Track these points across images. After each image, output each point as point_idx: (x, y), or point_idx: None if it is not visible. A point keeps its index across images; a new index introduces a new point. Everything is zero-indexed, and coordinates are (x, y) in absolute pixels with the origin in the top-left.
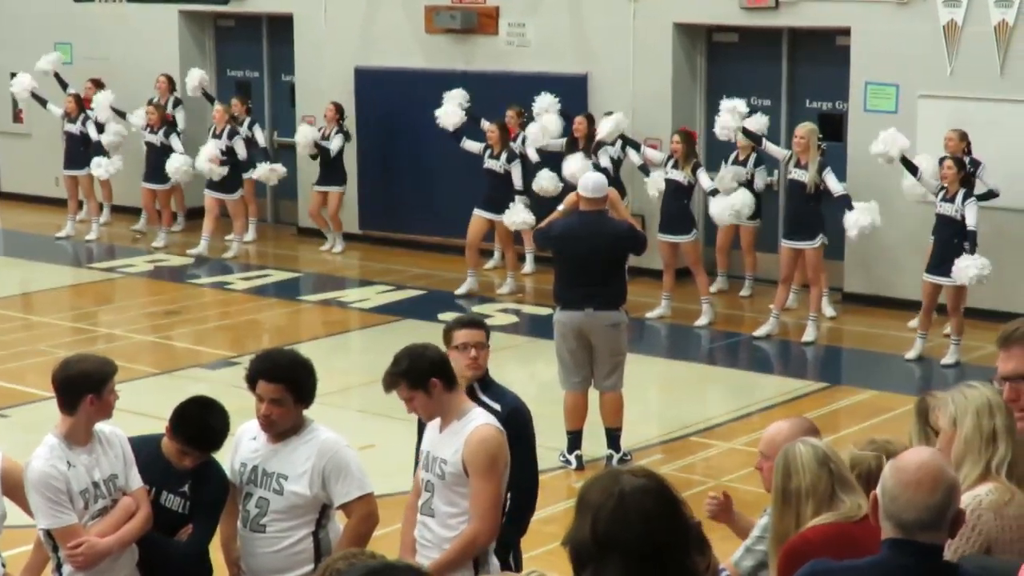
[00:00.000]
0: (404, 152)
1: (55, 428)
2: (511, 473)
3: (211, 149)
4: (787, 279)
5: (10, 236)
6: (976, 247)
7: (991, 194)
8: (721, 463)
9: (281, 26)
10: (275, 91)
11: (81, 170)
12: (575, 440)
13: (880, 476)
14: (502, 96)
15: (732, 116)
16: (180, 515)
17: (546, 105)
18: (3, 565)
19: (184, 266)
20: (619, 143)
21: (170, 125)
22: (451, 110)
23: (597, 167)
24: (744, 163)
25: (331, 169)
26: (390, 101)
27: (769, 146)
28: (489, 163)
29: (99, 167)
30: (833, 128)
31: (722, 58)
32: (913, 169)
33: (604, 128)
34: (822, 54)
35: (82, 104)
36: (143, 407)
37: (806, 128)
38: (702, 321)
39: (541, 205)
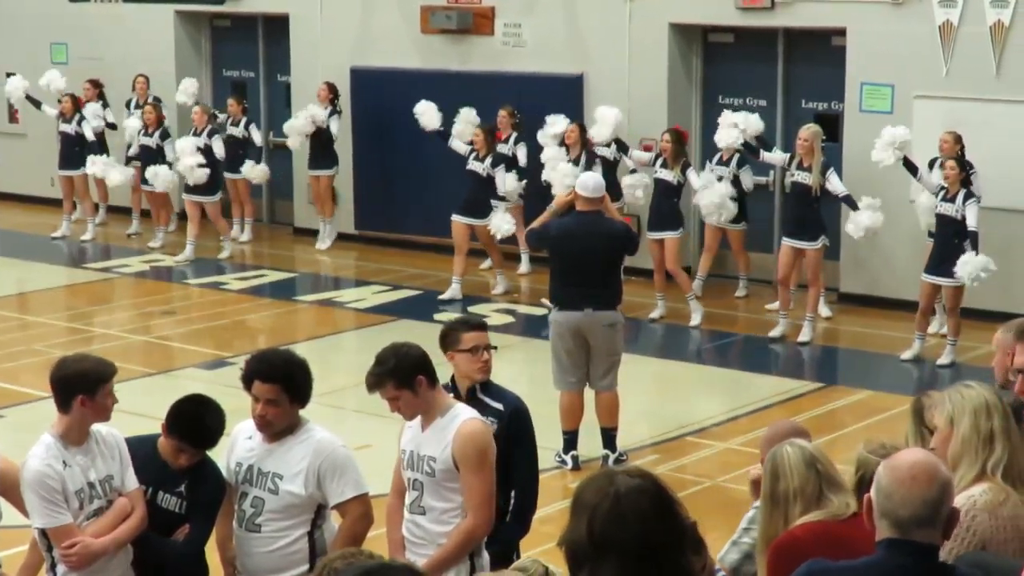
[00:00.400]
0: (400, 152)
1: (51, 427)
2: (515, 473)
3: (187, 145)
4: (785, 279)
5: (6, 236)
6: (978, 247)
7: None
8: (717, 463)
9: (277, 26)
10: (271, 91)
11: (76, 170)
12: (571, 440)
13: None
14: (498, 96)
15: (731, 133)
16: (177, 515)
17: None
18: None
19: (180, 266)
20: (614, 145)
21: (165, 130)
22: (426, 107)
23: None
24: (727, 163)
25: (325, 151)
26: (386, 101)
27: (767, 156)
28: (473, 164)
29: (94, 165)
30: (829, 128)
31: (718, 58)
32: (913, 169)
33: (602, 129)
34: (818, 54)
35: (78, 104)
36: (138, 407)
37: (810, 130)
38: (695, 321)
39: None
